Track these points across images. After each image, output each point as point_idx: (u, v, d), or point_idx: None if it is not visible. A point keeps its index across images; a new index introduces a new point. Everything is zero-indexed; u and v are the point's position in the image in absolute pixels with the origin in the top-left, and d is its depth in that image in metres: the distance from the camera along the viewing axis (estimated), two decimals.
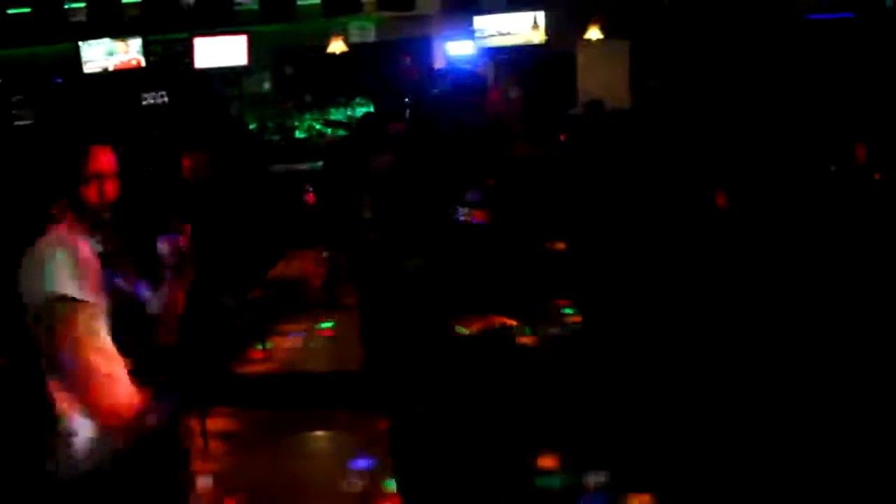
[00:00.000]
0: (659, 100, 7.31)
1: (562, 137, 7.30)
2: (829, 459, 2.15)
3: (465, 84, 2.49)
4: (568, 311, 2.64)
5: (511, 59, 10.02)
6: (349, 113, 10.20)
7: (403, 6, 9.93)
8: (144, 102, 9.76)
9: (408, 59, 8.49)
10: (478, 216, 2.42)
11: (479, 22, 10.17)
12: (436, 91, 2.46)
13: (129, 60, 10.04)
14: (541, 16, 10.07)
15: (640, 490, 2.43)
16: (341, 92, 10.64)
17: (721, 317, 2.48)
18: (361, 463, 3.17)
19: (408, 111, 6.18)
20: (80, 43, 9.89)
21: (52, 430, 2.30)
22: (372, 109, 8.85)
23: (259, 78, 10.66)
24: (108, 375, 2.23)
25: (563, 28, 10.01)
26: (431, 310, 2.37)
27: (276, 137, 10.06)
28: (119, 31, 9.91)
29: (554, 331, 2.53)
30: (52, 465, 2.30)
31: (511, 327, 2.43)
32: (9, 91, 9.68)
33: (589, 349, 2.57)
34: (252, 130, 9.68)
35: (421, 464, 2.35)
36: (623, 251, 2.91)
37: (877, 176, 2.49)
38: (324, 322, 4.28)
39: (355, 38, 10.31)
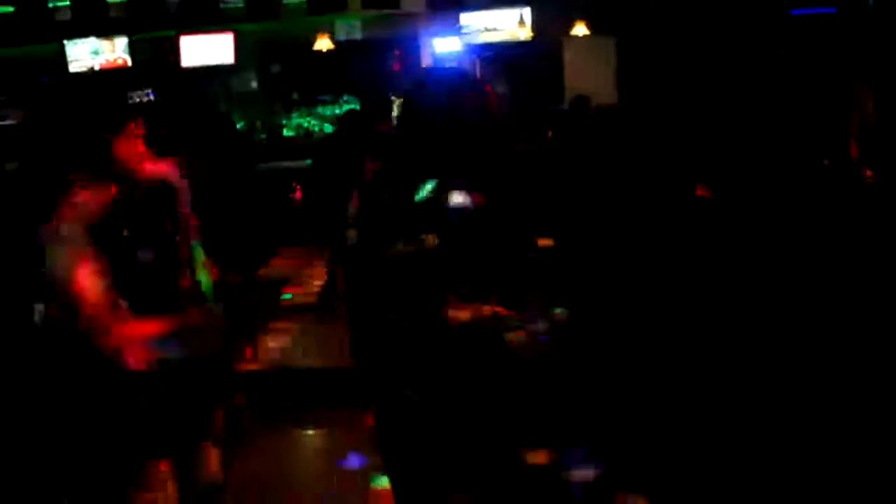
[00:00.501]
0: (645, 95, 7.34)
1: (548, 133, 7.32)
2: (820, 456, 2.17)
3: (463, 82, 2.50)
4: (555, 308, 2.65)
5: (497, 55, 10.04)
6: (336, 111, 10.20)
7: (389, 3, 9.92)
8: (130, 101, 9.71)
9: (397, 54, 8.51)
10: (472, 198, 2.41)
11: (466, 18, 10.19)
12: (432, 88, 2.46)
13: (115, 59, 10.00)
14: (527, 12, 10.09)
15: (628, 485, 2.45)
16: (328, 89, 10.63)
17: (709, 312, 2.50)
18: (352, 461, 3.18)
19: (397, 107, 6.18)
20: (66, 42, 9.83)
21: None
22: (358, 107, 8.84)
23: (246, 76, 10.64)
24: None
25: (549, 24, 10.03)
26: (419, 295, 2.37)
27: (263, 136, 10.06)
28: (104, 30, 9.86)
29: (541, 326, 2.55)
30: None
31: (503, 317, 2.43)
32: None
33: (576, 344, 2.59)
34: (240, 129, 9.66)
35: (408, 449, 2.37)
36: (610, 247, 2.93)
37: (868, 173, 2.51)
38: (315, 322, 4.29)
39: (342, 36, 10.30)
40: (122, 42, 9.95)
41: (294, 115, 10.60)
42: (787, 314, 2.26)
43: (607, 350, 2.70)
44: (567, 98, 8.99)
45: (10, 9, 9.60)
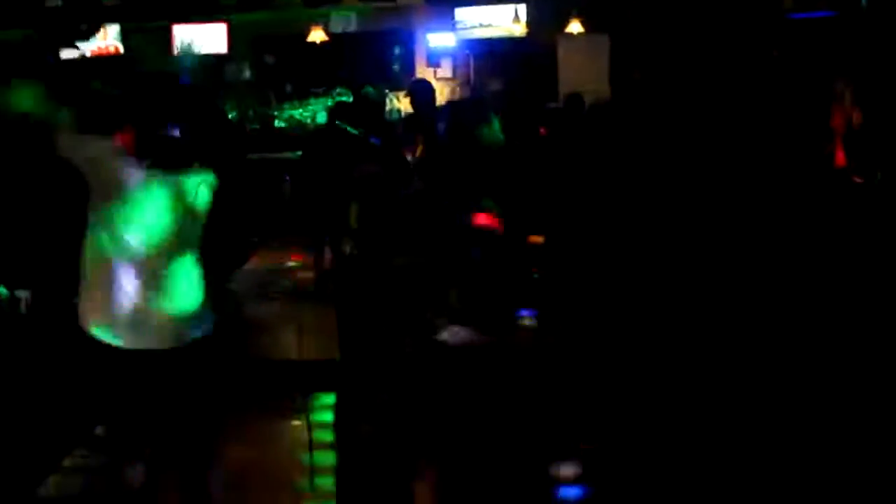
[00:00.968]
0: (639, 93, 7.33)
1: (542, 131, 7.30)
2: (820, 456, 2.15)
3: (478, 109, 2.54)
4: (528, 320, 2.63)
5: (492, 51, 10.04)
6: (328, 103, 10.15)
7: None
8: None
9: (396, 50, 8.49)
10: (487, 221, 2.42)
11: (461, 13, 10.18)
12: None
13: (107, 47, 9.93)
14: (522, 8, 10.09)
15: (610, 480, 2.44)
16: (322, 82, 10.58)
17: (701, 312, 2.49)
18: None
19: (390, 101, 6.14)
20: None
21: None
22: (350, 100, 8.81)
23: (239, 66, 10.58)
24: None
25: (544, 21, 10.03)
26: (415, 307, 2.37)
27: (255, 126, 10.02)
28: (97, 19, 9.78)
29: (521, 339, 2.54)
30: None
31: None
32: None
33: (563, 347, 2.57)
34: (231, 119, 9.61)
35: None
36: (602, 244, 2.92)
37: (858, 179, 2.50)
38: (301, 313, 4.28)
39: (337, 29, 10.26)
40: (114, 29, 9.89)
41: (286, 106, 10.56)
42: (781, 314, 2.25)
43: (597, 349, 2.69)
44: (561, 95, 8.97)
45: None
